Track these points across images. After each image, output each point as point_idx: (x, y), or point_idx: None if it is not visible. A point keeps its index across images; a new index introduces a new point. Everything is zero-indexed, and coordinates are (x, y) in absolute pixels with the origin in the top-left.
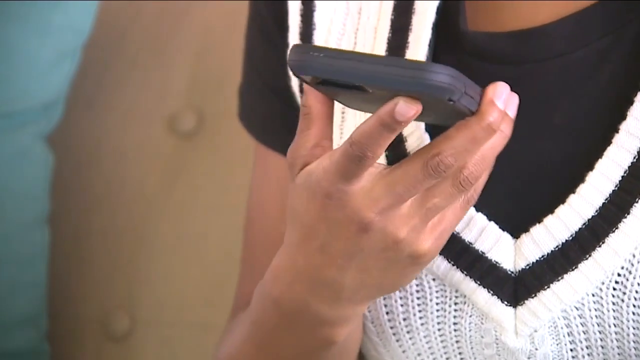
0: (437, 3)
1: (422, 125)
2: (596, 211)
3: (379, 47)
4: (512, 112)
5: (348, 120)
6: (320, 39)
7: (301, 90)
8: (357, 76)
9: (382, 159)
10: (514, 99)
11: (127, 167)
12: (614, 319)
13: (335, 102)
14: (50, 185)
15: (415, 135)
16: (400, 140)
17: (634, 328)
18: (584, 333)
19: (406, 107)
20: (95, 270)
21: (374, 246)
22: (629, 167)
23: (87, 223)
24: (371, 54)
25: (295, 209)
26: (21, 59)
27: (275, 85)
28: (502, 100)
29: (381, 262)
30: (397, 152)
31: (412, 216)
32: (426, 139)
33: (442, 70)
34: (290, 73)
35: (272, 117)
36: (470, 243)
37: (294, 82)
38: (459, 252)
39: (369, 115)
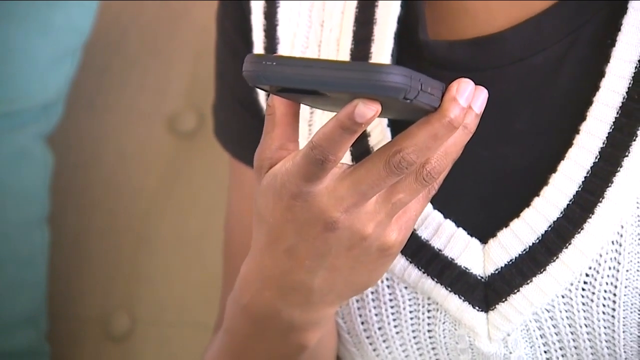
0: (397, 13)
1: (384, 120)
2: (561, 213)
3: (342, 59)
4: (478, 107)
5: (317, 113)
6: (284, 53)
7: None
8: (310, 82)
9: (346, 155)
10: (480, 94)
11: (127, 167)
12: (585, 319)
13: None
14: (50, 185)
15: (378, 130)
16: (363, 136)
17: (604, 327)
18: (556, 335)
19: (365, 109)
20: (95, 270)
21: (341, 244)
22: (591, 167)
23: (87, 223)
24: (322, 59)
25: (261, 211)
26: (21, 59)
27: (246, 100)
28: (465, 97)
29: (350, 260)
30: (360, 147)
31: (377, 212)
32: (388, 133)
33: (393, 70)
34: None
35: (245, 132)
36: (440, 250)
37: (261, 97)
38: (429, 260)
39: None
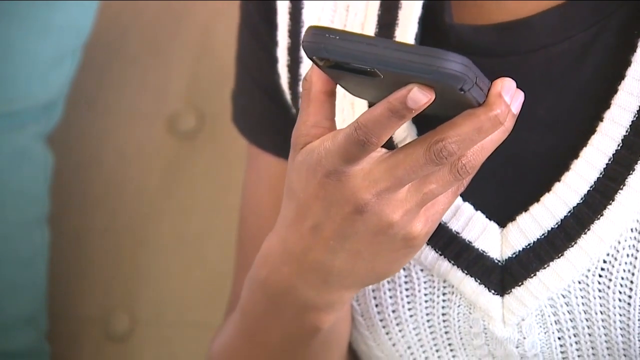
0: None
1: None
2: (581, 199)
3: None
4: (516, 108)
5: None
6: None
7: (290, 88)
8: (372, 60)
9: None
10: (520, 96)
11: (127, 167)
12: (601, 306)
13: None
14: (50, 185)
15: (404, 126)
16: None
17: (620, 315)
18: (571, 321)
19: (420, 94)
20: (95, 270)
21: (367, 229)
22: (613, 154)
23: (87, 223)
24: (386, 39)
25: (293, 186)
26: (21, 59)
27: (266, 85)
28: (510, 95)
29: (373, 246)
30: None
31: (408, 201)
32: (413, 130)
33: (456, 59)
34: (280, 71)
35: (264, 118)
36: (457, 233)
37: (283, 80)
38: (446, 242)
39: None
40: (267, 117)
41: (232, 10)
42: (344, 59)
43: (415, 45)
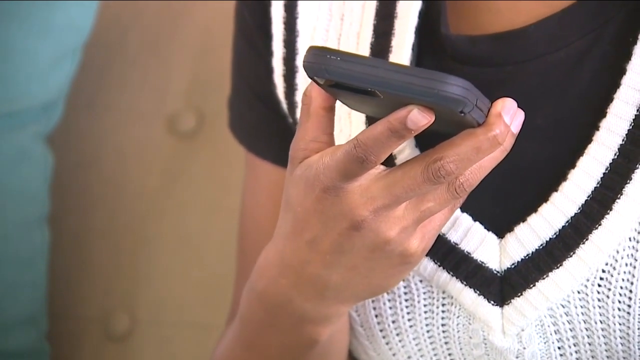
0: (419, 7)
1: (413, 140)
2: (579, 208)
3: (362, 53)
4: (515, 127)
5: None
6: (303, 46)
7: (286, 98)
8: (373, 82)
9: None
10: (520, 116)
11: (127, 167)
12: (600, 315)
13: None
14: (50, 185)
15: (407, 152)
16: (390, 157)
17: (619, 324)
18: (571, 330)
19: (420, 116)
20: (95, 270)
21: (364, 245)
22: (610, 163)
23: (87, 223)
24: (387, 61)
25: (291, 199)
26: (21, 59)
27: (262, 94)
28: (510, 115)
29: (370, 262)
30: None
31: (405, 218)
32: (411, 141)
33: (457, 82)
34: (276, 81)
35: (260, 126)
36: (456, 244)
37: (279, 90)
38: (445, 253)
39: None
40: (264, 125)
41: (232, 10)
42: (345, 80)
43: (416, 68)
